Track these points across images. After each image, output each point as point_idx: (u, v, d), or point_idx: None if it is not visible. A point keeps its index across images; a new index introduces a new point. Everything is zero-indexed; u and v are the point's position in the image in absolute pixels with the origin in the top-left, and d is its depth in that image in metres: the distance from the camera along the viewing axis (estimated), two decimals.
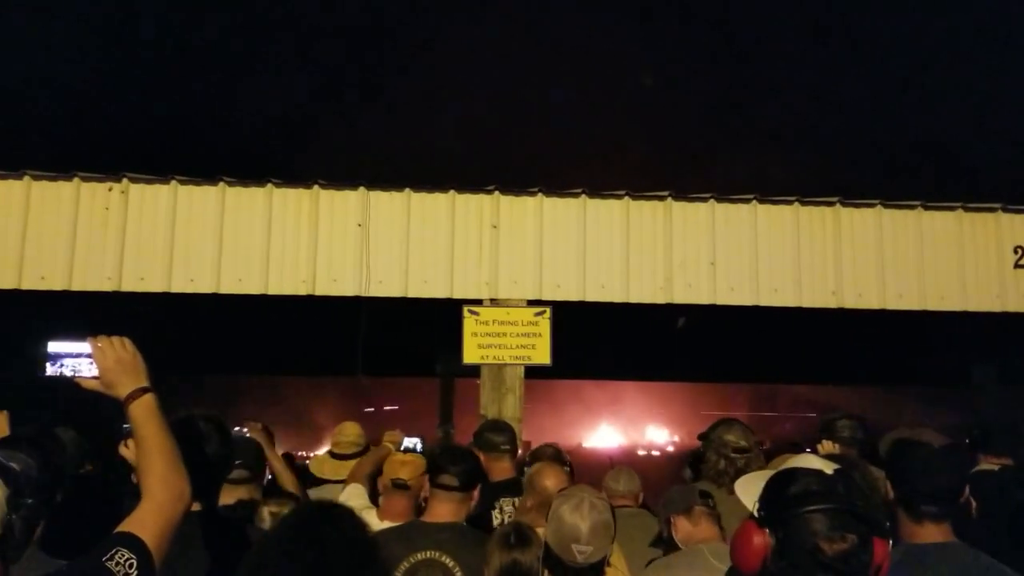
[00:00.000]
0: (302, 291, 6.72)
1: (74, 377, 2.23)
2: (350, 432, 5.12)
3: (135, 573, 1.76)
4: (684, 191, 7.13)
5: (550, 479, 3.56)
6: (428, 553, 3.02)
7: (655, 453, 29.98)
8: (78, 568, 1.77)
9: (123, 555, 1.77)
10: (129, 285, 6.57)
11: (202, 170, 6.80)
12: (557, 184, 7.04)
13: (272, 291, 6.70)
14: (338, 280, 6.76)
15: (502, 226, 6.92)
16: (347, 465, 4.67)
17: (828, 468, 1.95)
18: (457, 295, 6.83)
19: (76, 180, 6.64)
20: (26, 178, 6.60)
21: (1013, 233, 7.29)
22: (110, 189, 6.67)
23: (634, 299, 6.96)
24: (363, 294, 6.75)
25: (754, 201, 7.16)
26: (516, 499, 4.03)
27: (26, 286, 6.49)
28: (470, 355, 6.79)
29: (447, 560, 3.01)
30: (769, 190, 7.20)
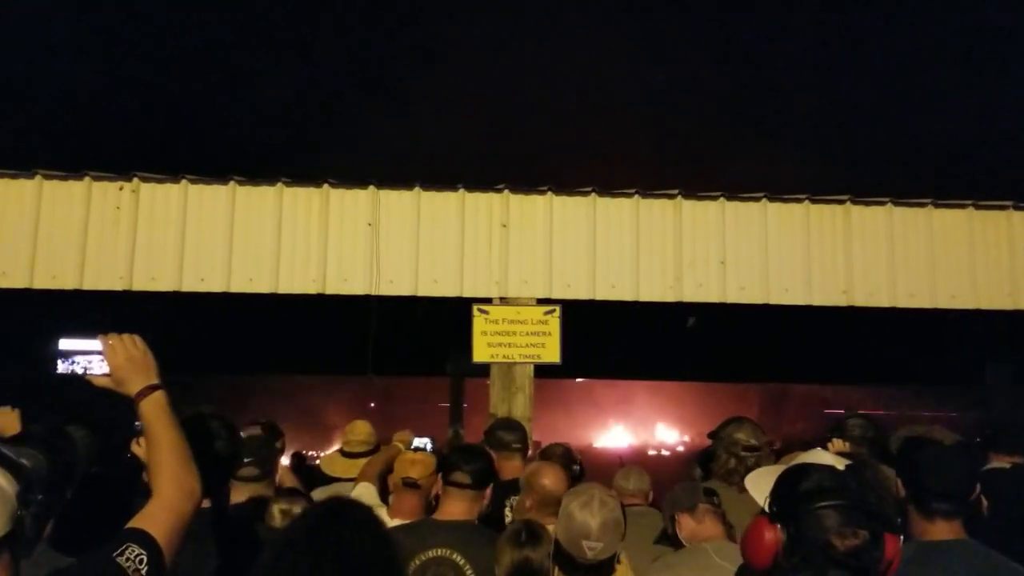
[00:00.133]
0: (312, 290, 6.74)
1: (85, 374, 2.22)
2: (361, 431, 5.13)
3: (145, 569, 1.77)
4: (694, 190, 7.11)
5: (548, 478, 3.55)
6: (439, 551, 3.02)
7: (665, 453, 29.92)
8: (89, 564, 1.77)
9: (134, 551, 1.77)
10: (140, 284, 6.60)
11: (212, 169, 6.83)
12: (567, 183, 7.03)
13: (283, 290, 6.71)
14: (348, 279, 6.77)
15: (512, 225, 6.92)
16: (358, 463, 4.68)
17: (839, 464, 1.95)
18: (467, 294, 6.83)
19: (87, 179, 6.67)
20: (38, 177, 6.63)
21: None
22: (121, 188, 6.70)
23: (644, 298, 6.95)
24: (373, 293, 6.76)
25: (764, 199, 7.14)
26: None
27: (38, 285, 6.52)
28: (480, 354, 6.79)
29: (458, 558, 3.01)
30: (779, 188, 7.18)
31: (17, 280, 6.50)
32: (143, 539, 1.81)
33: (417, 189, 6.91)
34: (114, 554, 1.75)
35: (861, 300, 7.07)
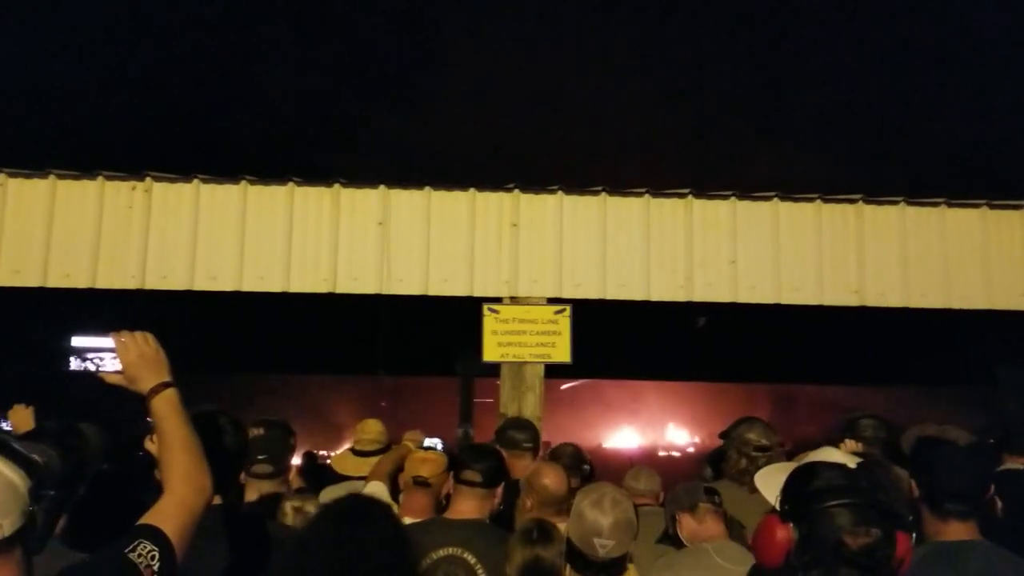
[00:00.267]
0: (322, 289, 6.75)
1: (97, 372, 2.24)
2: (372, 429, 5.14)
3: (157, 565, 1.77)
4: (705, 189, 7.08)
5: (548, 478, 3.54)
6: (450, 550, 3.02)
7: (675, 454, 29.85)
8: (101, 560, 1.78)
9: (145, 547, 1.78)
10: (152, 283, 6.62)
11: (224, 169, 6.85)
12: (577, 182, 7.01)
13: (293, 289, 6.72)
14: (359, 278, 6.77)
15: (522, 224, 6.92)
16: (369, 462, 4.68)
17: (850, 462, 1.94)
18: (477, 293, 6.82)
19: (100, 179, 6.70)
20: (51, 177, 6.67)
21: None
22: (133, 188, 6.73)
23: (654, 297, 6.92)
24: (383, 292, 6.76)
25: (775, 198, 7.11)
26: None
27: (51, 284, 6.55)
28: (490, 353, 6.79)
29: (469, 557, 3.00)
30: (791, 188, 7.14)
31: (31, 279, 6.53)
32: (155, 535, 1.82)
33: (427, 188, 6.92)
34: (126, 550, 1.76)
35: (873, 300, 7.03)
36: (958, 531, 2.51)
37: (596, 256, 6.90)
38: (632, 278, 6.90)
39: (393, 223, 6.83)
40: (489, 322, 6.75)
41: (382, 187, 6.88)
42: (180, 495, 1.94)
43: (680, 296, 6.93)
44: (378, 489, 3.96)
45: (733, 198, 7.08)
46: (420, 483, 3.63)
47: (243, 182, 6.78)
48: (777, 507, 1.93)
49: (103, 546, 1.80)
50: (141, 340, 2.13)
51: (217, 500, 2.26)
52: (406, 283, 6.78)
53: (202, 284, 6.66)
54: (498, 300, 6.82)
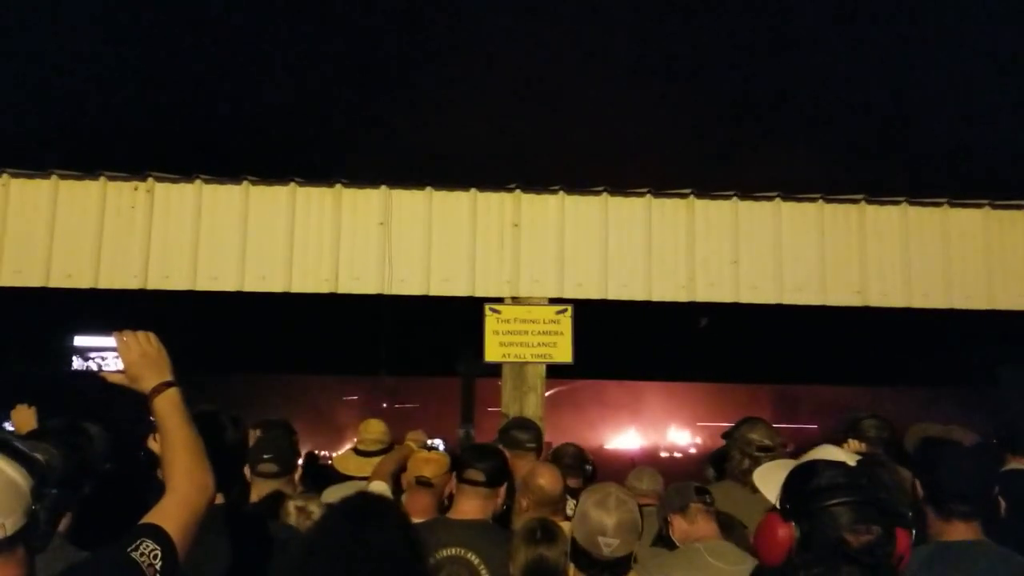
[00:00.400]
0: (324, 289, 6.75)
1: (99, 371, 2.24)
2: (375, 429, 5.13)
3: (159, 564, 1.77)
4: (707, 189, 7.08)
5: (544, 478, 3.54)
6: (454, 549, 3.01)
7: (677, 455, 29.86)
8: (103, 559, 1.78)
9: (148, 546, 1.78)
10: (154, 283, 6.63)
11: (226, 169, 6.85)
12: (578, 182, 7.01)
13: (295, 289, 6.72)
14: (360, 279, 6.77)
15: (523, 224, 6.91)
16: (371, 462, 4.68)
17: (850, 460, 1.94)
18: (479, 293, 6.82)
19: (102, 179, 6.71)
20: (53, 178, 6.67)
21: None
22: (135, 188, 6.73)
23: (656, 298, 6.91)
24: (385, 292, 6.76)
25: (777, 198, 7.10)
26: None
27: (54, 284, 6.55)
28: (492, 353, 6.78)
29: (472, 557, 3.00)
30: (793, 188, 7.14)
31: (33, 279, 6.53)
32: (157, 534, 1.82)
33: (429, 189, 6.92)
34: (128, 549, 1.76)
35: (875, 300, 7.02)
36: (962, 531, 2.51)
37: (597, 256, 6.90)
38: (634, 278, 6.89)
39: (395, 223, 6.83)
40: (490, 322, 6.75)
41: (384, 187, 6.88)
42: (182, 494, 1.94)
43: (682, 296, 6.92)
44: (381, 489, 3.96)
45: (735, 198, 7.07)
46: (423, 483, 3.62)
47: (245, 182, 6.78)
48: (778, 505, 1.93)
49: (106, 545, 1.80)
50: (143, 339, 2.13)
51: (219, 499, 2.26)
52: (407, 283, 6.78)
53: (204, 284, 6.66)
54: (499, 300, 6.81)
